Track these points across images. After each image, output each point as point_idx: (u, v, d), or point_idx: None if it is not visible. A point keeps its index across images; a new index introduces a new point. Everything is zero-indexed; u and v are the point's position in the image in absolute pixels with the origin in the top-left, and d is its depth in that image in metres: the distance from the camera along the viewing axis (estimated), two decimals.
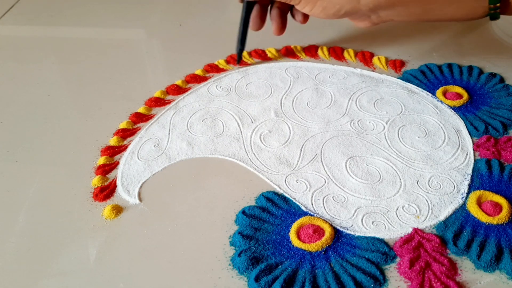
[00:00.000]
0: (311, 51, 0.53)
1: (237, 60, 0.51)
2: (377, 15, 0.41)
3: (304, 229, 0.34)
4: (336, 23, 0.56)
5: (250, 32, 0.49)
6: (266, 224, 0.34)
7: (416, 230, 0.33)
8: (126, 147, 0.42)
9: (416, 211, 0.35)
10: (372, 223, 0.34)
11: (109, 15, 0.65)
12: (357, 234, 0.33)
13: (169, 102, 0.47)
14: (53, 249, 0.33)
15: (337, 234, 0.34)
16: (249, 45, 0.51)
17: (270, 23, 0.49)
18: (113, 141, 0.42)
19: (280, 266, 0.31)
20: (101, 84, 0.50)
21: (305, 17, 0.46)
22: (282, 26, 0.47)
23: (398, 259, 0.32)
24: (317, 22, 0.49)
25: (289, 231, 0.34)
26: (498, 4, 0.33)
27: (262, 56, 0.52)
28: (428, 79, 0.48)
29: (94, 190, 0.38)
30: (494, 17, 0.35)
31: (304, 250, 0.32)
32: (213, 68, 0.51)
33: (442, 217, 0.34)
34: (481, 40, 0.54)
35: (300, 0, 0.41)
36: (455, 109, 0.44)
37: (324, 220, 0.34)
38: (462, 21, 0.40)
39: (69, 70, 0.54)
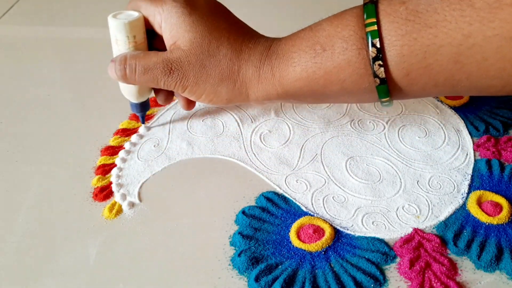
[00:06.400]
0: None
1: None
2: (270, 101, 0.38)
3: (304, 229, 0.33)
4: None
5: None
6: (266, 224, 0.34)
7: (416, 230, 0.33)
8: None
9: (416, 211, 0.35)
10: (372, 223, 0.34)
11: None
12: (357, 234, 0.33)
13: None
14: (53, 249, 0.33)
15: (337, 234, 0.34)
16: None
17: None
18: (113, 141, 0.42)
19: (280, 266, 0.31)
20: (101, 84, 0.50)
21: (190, 103, 0.42)
22: (189, 101, 0.42)
23: (398, 259, 0.32)
24: None
25: (289, 231, 0.34)
26: (388, 98, 0.33)
27: None
28: None
29: (94, 190, 0.38)
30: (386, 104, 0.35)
31: (304, 250, 0.32)
32: None
33: (442, 217, 0.34)
34: None
35: (185, 88, 0.37)
36: (456, 109, 0.44)
37: (324, 220, 0.34)
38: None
39: (69, 70, 0.54)
